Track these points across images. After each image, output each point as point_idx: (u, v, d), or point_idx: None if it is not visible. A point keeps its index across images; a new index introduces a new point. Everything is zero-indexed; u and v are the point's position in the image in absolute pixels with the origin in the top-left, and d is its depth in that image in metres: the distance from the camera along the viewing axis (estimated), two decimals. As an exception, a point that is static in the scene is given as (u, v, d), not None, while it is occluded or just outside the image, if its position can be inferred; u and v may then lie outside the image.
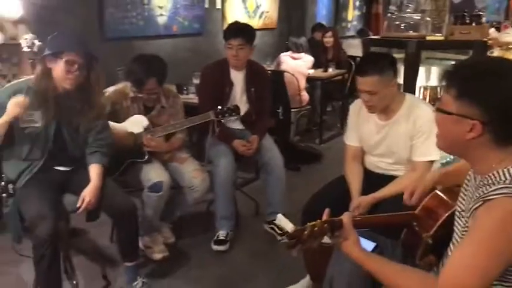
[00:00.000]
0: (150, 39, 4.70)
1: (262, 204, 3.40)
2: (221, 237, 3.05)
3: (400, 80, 2.97)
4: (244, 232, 3.27)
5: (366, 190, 2.31)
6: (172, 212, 3.04)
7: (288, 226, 1.38)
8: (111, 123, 2.64)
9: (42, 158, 2.35)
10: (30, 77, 2.36)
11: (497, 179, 1.19)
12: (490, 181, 1.21)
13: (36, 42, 3.33)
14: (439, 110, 1.27)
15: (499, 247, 1.13)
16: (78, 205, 2.32)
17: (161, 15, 4.84)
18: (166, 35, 4.93)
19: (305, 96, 5.23)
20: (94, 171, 2.40)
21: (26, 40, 3.34)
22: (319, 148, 5.24)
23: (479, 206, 1.17)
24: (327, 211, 1.44)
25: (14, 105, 2.16)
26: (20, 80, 2.45)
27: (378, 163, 2.40)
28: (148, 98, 2.81)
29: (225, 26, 5.75)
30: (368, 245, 1.62)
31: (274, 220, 3.12)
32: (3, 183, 1.93)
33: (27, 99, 2.20)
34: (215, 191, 3.05)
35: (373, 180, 2.35)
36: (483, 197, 1.17)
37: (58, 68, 2.23)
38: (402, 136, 2.25)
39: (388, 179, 2.30)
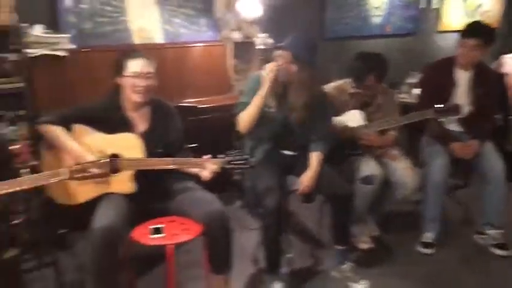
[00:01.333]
0: (364, 39, 4.82)
1: (471, 212, 3.24)
2: (428, 240, 3.02)
3: None
4: (451, 238, 3.16)
5: None
6: (380, 207, 3.12)
7: None
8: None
9: (272, 140, 2.66)
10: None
11: None
12: None
13: (268, 41, 3.74)
14: None
15: None
16: (296, 187, 2.57)
17: (377, 15, 4.92)
18: (379, 35, 4.99)
19: (529, 102, 4.72)
20: (315, 158, 2.63)
21: (260, 39, 3.78)
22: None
23: None
24: None
25: (268, 71, 2.48)
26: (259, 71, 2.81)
27: None
28: (366, 95, 2.93)
29: (440, 26, 5.59)
30: None
31: (488, 230, 3.00)
32: (246, 156, 2.24)
33: (278, 64, 2.50)
34: (426, 191, 3.02)
35: None
36: None
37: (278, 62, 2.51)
38: None
39: None
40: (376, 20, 4.94)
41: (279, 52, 2.52)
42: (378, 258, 2.92)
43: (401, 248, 3.05)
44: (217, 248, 2.30)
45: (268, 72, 2.49)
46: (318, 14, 4.49)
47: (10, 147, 2.09)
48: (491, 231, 3.01)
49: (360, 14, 4.77)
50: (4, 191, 1.85)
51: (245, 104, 2.57)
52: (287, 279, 2.63)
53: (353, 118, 2.94)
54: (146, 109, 2.41)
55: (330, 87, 3.04)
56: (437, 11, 5.59)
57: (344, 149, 2.91)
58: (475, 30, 2.99)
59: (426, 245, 3.00)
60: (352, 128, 2.90)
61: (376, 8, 4.91)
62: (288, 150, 2.71)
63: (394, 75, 4.36)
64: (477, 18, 5.91)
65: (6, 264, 2.03)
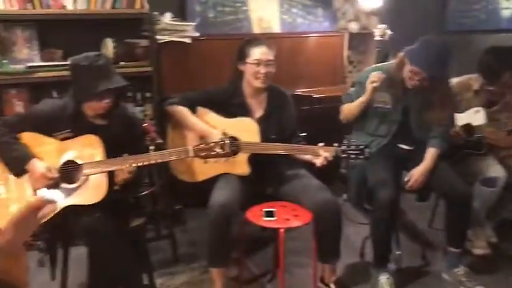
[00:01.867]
0: (491, 33, 4.49)
1: None
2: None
3: None
4: None
5: None
6: (500, 211, 2.92)
7: None
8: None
9: (388, 136, 2.60)
10: (391, 63, 2.62)
11: None
12: None
13: (388, 32, 3.65)
14: None
15: None
16: (406, 179, 2.50)
17: (507, 8, 4.55)
18: (509, 29, 4.61)
19: None
20: (430, 154, 2.53)
21: (379, 30, 3.69)
22: None
23: None
24: None
25: (370, 81, 2.44)
26: (382, 64, 2.75)
27: None
28: (495, 92, 2.74)
29: None
30: None
31: None
32: (361, 146, 2.22)
33: (381, 75, 2.45)
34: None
35: None
36: None
37: (406, 69, 2.44)
38: None
39: None
40: (506, 12, 4.56)
41: (413, 69, 2.40)
42: (494, 266, 2.74)
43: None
44: (327, 237, 2.32)
45: (370, 82, 2.45)
46: (440, 5, 4.27)
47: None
48: None
49: (487, 7, 4.44)
50: (140, 163, 2.02)
51: (351, 97, 2.62)
52: (395, 276, 2.57)
53: (476, 116, 2.77)
54: (264, 95, 2.48)
55: (454, 81, 2.88)
56: None
57: (464, 148, 2.76)
58: None
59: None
60: (475, 127, 2.74)
61: (507, 0, 4.54)
62: (405, 144, 2.63)
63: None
64: None
65: (134, 232, 2.22)
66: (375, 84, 2.44)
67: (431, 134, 2.57)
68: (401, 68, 2.48)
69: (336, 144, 2.27)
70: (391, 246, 2.51)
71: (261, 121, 2.42)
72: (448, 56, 2.41)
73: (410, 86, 2.46)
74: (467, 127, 2.77)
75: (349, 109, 2.62)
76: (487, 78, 2.71)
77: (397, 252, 2.69)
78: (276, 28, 3.71)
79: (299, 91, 3.55)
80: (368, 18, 3.90)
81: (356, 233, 2.98)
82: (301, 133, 2.59)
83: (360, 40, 3.91)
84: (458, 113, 2.79)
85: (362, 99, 2.51)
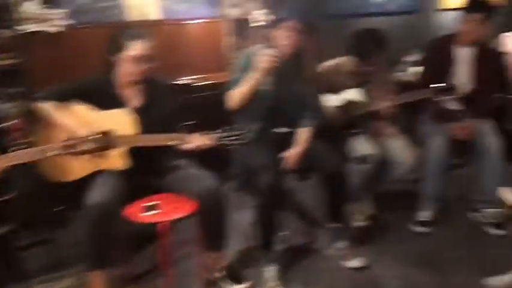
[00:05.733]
0: (365, 17, 4.75)
1: (469, 191, 3.23)
2: (425, 218, 3.02)
3: None
4: (448, 216, 3.16)
5: None
6: (376, 185, 3.12)
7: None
8: (326, 94, 2.82)
9: (266, 120, 2.62)
10: (262, 45, 2.63)
11: None
12: None
13: (268, 17, 3.69)
14: None
15: None
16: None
17: (378, -8, 4.85)
18: (380, 12, 4.92)
19: (529, 81, 4.68)
20: (302, 134, 2.62)
21: (259, 15, 3.73)
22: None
23: None
24: None
25: (267, 59, 2.39)
26: (254, 47, 2.75)
27: None
28: (366, 73, 2.89)
29: (440, 4, 5.50)
30: None
31: (484, 209, 3.00)
32: (241, 131, 2.22)
33: (277, 53, 2.43)
34: (425, 170, 3.01)
35: None
36: None
37: (279, 35, 2.47)
38: None
39: None
40: (374, -3, 4.87)
41: (286, 24, 2.45)
42: (374, 237, 2.93)
43: (397, 226, 3.05)
44: (212, 225, 2.32)
45: (264, 60, 2.40)
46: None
47: (4, 124, 2.07)
48: (488, 210, 3.00)
49: (361, -9, 4.70)
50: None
51: (236, 81, 2.54)
52: (282, 257, 2.65)
53: (351, 96, 2.92)
54: (140, 85, 2.39)
55: (327, 65, 3.00)
56: (438, -11, 5.51)
57: (340, 127, 2.90)
58: (478, 5, 2.94)
59: (422, 223, 3.00)
60: (351, 106, 2.88)
61: (377, -15, 4.83)
62: (281, 127, 2.68)
63: (395, 54, 4.34)
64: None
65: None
66: (273, 61, 2.39)
67: (302, 115, 2.65)
68: (272, 40, 2.50)
69: (214, 132, 2.26)
70: (276, 229, 2.56)
71: (139, 112, 2.33)
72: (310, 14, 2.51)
73: (287, 50, 2.48)
74: (344, 107, 2.90)
75: (237, 94, 2.53)
76: (359, 59, 2.85)
77: (284, 233, 2.77)
78: (154, 15, 3.58)
79: (182, 79, 3.49)
80: (249, 3, 3.91)
81: (244, 217, 3.01)
82: (186, 122, 2.54)
83: (244, 26, 3.92)
84: (334, 94, 2.93)
85: (255, 76, 2.45)
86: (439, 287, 2.47)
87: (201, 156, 2.31)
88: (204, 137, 2.25)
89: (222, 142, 2.25)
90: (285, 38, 2.46)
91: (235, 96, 2.55)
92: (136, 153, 2.26)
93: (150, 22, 3.50)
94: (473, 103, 3.04)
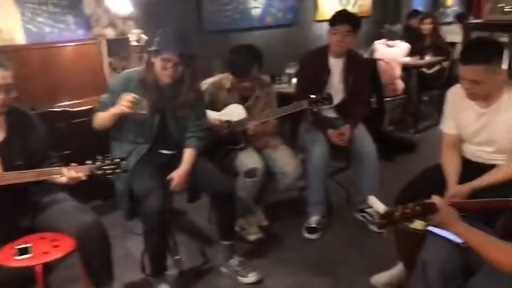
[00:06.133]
0: (245, 32, 4.86)
1: (353, 193, 3.41)
2: (313, 225, 3.12)
3: (505, 65, 2.81)
4: (335, 219, 3.30)
5: (463, 180, 2.23)
6: (266, 197, 3.18)
7: (380, 207, 1.42)
8: (208, 112, 2.82)
9: (148, 143, 2.55)
10: (140, 68, 2.58)
11: None
12: None
13: (143, 37, 3.62)
14: None
15: None
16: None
17: (255, 7, 4.98)
18: (260, 26, 5.07)
19: (400, 84, 5.11)
20: (187, 155, 2.58)
21: (134, 35, 3.64)
22: (413, 138, 5.10)
23: None
24: (435, 197, 1.46)
25: (126, 102, 2.35)
26: (131, 69, 2.68)
27: (477, 152, 2.32)
28: (245, 88, 2.93)
29: (317, 15, 5.82)
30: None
31: (365, 209, 3.18)
32: (117, 159, 2.13)
33: (137, 97, 2.39)
34: (308, 177, 3.12)
35: (472, 169, 2.26)
36: None
37: (157, 64, 2.43)
38: (504, 124, 2.15)
39: (488, 168, 2.20)
40: (256, 12, 5.00)
41: (166, 56, 2.40)
42: (267, 247, 2.97)
43: (289, 235, 3.12)
44: (96, 260, 2.18)
45: (122, 102, 2.35)
46: (195, 7, 4.42)
47: None
48: (369, 210, 3.19)
49: (238, 7, 4.79)
50: None
51: (105, 105, 2.48)
52: (176, 281, 2.58)
53: (234, 112, 2.93)
54: (1, 118, 2.19)
55: (208, 82, 3.00)
56: (314, 1, 5.82)
57: (225, 144, 2.90)
58: (342, 17, 3.12)
59: (311, 229, 3.10)
60: (234, 122, 2.89)
61: (255, 0, 4.96)
62: (166, 149, 2.62)
63: (276, 67, 4.48)
64: (350, 7, 6.25)
65: None
66: (125, 109, 2.36)
67: (187, 134, 2.61)
68: (151, 66, 2.46)
69: (89, 162, 2.14)
70: (166, 254, 2.49)
71: (1, 148, 2.13)
72: (187, 36, 2.52)
73: (167, 80, 2.44)
74: (228, 123, 2.91)
75: (102, 118, 2.48)
76: (237, 75, 2.88)
77: (177, 257, 2.70)
78: (20, 39, 3.33)
79: (57, 106, 3.29)
80: (124, 23, 3.81)
81: (137, 245, 2.89)
82: (63, 152, 2.38)
83: (120, 46, 3.80)
84: (216, 111, 2.93)
85: (113, 111, 2.40)
86: (331, 289, 2.57)
87: (82, 187, 2.17)
88: (81, 168, 2.11)
89: (101, 171, 2.14)
90: (163, 69, 2.42)
91: (98, 120, 2.51)
92: (5, 192, 2.06)
93: (13, 47, 3.24)
94: (347, 110, 3.23)
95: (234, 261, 2.67)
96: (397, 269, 2.45)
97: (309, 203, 3.19)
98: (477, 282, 1.50)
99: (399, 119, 5.64)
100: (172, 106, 2.54)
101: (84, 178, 2.09)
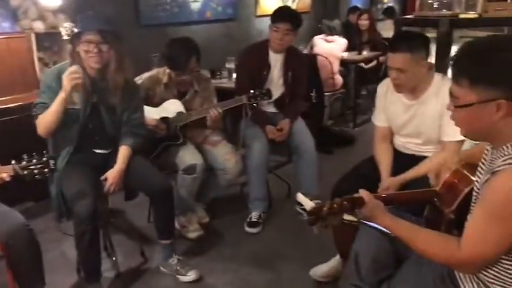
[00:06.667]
0: (184, 26, 4.78)
1: (295, 187, 3.45)
2: (254, 219, 3.12)
3: (433, 59, 2.93)
4: (276, 213, 3.32)
5: (395, 171, 2.31)
6: (207, 193, 3.15)
7: (308, 204, 1.43)
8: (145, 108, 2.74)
9: (80, 140, 2.42)
10: (67, 61, 2.45)
11: (508, 150, 1.21)
12: (500, 154, 1.23)
13: (75, 30, 3.46)
14: (458, 107, 1.27)
15: (509, 215, 1.16)
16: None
17: (195, 1, 4.91)
18: (200, 21, 5.00)
19: (338, 79, 5.21)
20: (121, 153, 2.48)
21: (66, 28, 3.48)
22: (352, 132, 5.23)
23: (489, 178, 1.20)
24: (362, 191, 1.48)
25: (74, 74, 2.20)
26: (62, 63, 2.53)
27: (406, 144, 2.40)
28: (183, 83, 2.87)
29: (258, 11, 5.83)
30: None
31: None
32: (44, 158, 2.01)
33: (80, 69, 2.26)
34: (249, 172, 3.12)
35: (403, 161, 2.34)
36: (492, 170, 1.20)
37: (81, 50, 2.29)
38: (430, 116, 2.23)
39: (418, 159, 2.29)
40: (195, 6, 4.93)
41: (87, 37, 2.26)
42: (209, 244, 2.94)
43: (230, 231, 3.11)
44: (24, 265, 2.08)
45: (69, 78, 2.21)
46: (132, 1, 4.29)
47: None
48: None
49: (177, 0, 4.70)
50: None
51: (43, 106, 2.30)
52: (113, 284, 2.50)
53: (172, 108, 2.88)
54: None
55: (143, 77, 2.91)
56: (255, -4, 5.82)
57: (163, 140, 2.84)
58: (285, 15, 3.13)
59: (253, 224, 3.10)
60: (171, 118, 2.84)
61: (194, -6, 4.89)
62: (99, 148, 2.52)
63: (216, 61, 4.44)
64: (290, 2, 6.30)
65: None
66: (76, 79, 2.20)
67: (122, 131, 2.52)
68: (77, 56, 2.31)
69: (15, 162, 2.01)
70: (100, 258, 2.39)
71: None
72: (108, 16, 2.44)
73: (93, 65, 2.31)
74: (165, 119, 2.85)
75: (47, 120, 2.27)
76: (175, 69, 2.81)
77: (113, 259, 2.62)
78: None
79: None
80: (55, 16, 3.64)
81: (72, 247, 2.77)
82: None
83: (51, 40, 3.62)
84: (153, 106, 2.86)
85: (62, 95, 2.22)
86: (272, 284, 2.57)
87: (12, 188, 2.05)
88: (3, 168, 1.98)
89: (27, 171, 2.02)
90: (86, 53, 2.29)
91: (44, 122, 2.30)
92: None
93: None
94: (286, 105, 3.25)
95: (174, 260, 2.62)
96: (335, 261, 2.50)
97: (249, 199, 3.19)
98: (406, 269, 1.55)
99: (339, 113, 5.76)
100: (104, 97, 2.42)
101: (8, 179, 1.96)
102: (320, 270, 2.52)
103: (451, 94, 1.29)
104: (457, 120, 1.31)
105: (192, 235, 2.99)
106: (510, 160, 1.18)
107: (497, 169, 1.19)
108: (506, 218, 1.17)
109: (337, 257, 2.49)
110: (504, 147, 1.23)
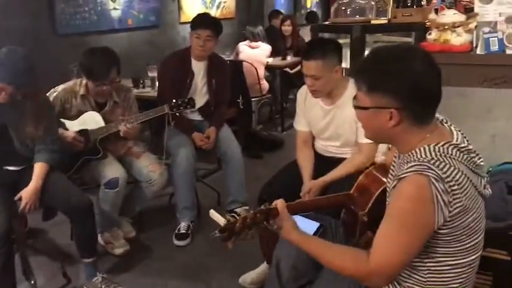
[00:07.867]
0: (105, 34, 4.64)
1: (224, 195, 3.43)
2: (182, 231, 3.06)
3: (347, 64, 3.03)
4: (205, 222, 3.27)
5: (317, 174, 2.37)
6: (132, 207, 3.06)
7: (220, 220, 1.41)
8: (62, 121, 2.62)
9: None
10: None
11: (413, 157, 1.25)
12: (406, 159, 1.27)
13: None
14: (356, 108, 1.32)
15: (415, 222, 1.18)
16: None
17: (114, 8, 4.78)
18: (121, 29, 4.87)
19: (265, 85, 5.27)
20: (36, 170, 2.37)
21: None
22: (281, 135, 5.29)
23: (396, 184, 1.23)
24: (279, 201, 1.46)
25: None
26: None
27: (326, 147, 2.47)
28: (102, 93, 2.76)
29: (182, 17, 5.78)
30: (312, 225, 1.68)
31: (234, 209, 3.21)
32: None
33: None
34: (175, 182, 3.06)
35: (324, 163, 2.40)
36: (398, 176, 1.23)
37: None
38: (347, 119, 2.31)
39: (337, 161, 2.36)
40: (115, 13, 4.80)
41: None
42: (136, 260, 2.86)
43: (159, 244, 3.04)
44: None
45: None
46: (47, 9, 4.10)
47: None
48: (238, 209, 3.22)
49: (96, 8, 4.55)
50: None
51: None
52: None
53: (90, 120, 2.76)
54: None
55: (58, 89, 2.77)
56: (179, 3, 5.76)
57: (82, 154, 2.72)
58: (205, 22, 3.11)
59: (181, 236, 3.04)
60: (90, 132, 2.72)
61: (113, 1, 4.76)
62: (11, 165, 2.38)
63: (138, 69, 4.33)
64: (214, 9, 6.31)
65: None
66: None
67: (36, 148, 2.40)
68: None
69: None
70: (14, 282, 2.25)
71: None
72: (32, 65, 2.26)
73: (1, 101, 2.21)
74: (84, 132, 2.73)
75: None
76: (94, 80, 2.69)
77: (32, 282, 2.47)
78: None
79: None
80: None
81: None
82: None
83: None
84: (70, 120, 2.73)
85: None
86: (202, 296, 2.54)
87: None
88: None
89: None
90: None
91: None
92: None
93: None
94: (211, 113, 3.23)
95: (98, 278, 2.51)
96: (263, 267, 2.51)
97: (177, 208, 3.13)
98: (325, 276, 1.56)
99: (267, 118, 5.83)
100: (16, 121, 2.31)
101: None
102: (249, 278, 2.52)
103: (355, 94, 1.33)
104: (360, 121, 1.36)
105: (118, 251, 2.88)
106: (414, 167, 1.20)
107: (403, 176, 1.21)
108: (411, 225, 1.18)
109: (265, 263, 2.50)
110: (410, 153, 1.27)
